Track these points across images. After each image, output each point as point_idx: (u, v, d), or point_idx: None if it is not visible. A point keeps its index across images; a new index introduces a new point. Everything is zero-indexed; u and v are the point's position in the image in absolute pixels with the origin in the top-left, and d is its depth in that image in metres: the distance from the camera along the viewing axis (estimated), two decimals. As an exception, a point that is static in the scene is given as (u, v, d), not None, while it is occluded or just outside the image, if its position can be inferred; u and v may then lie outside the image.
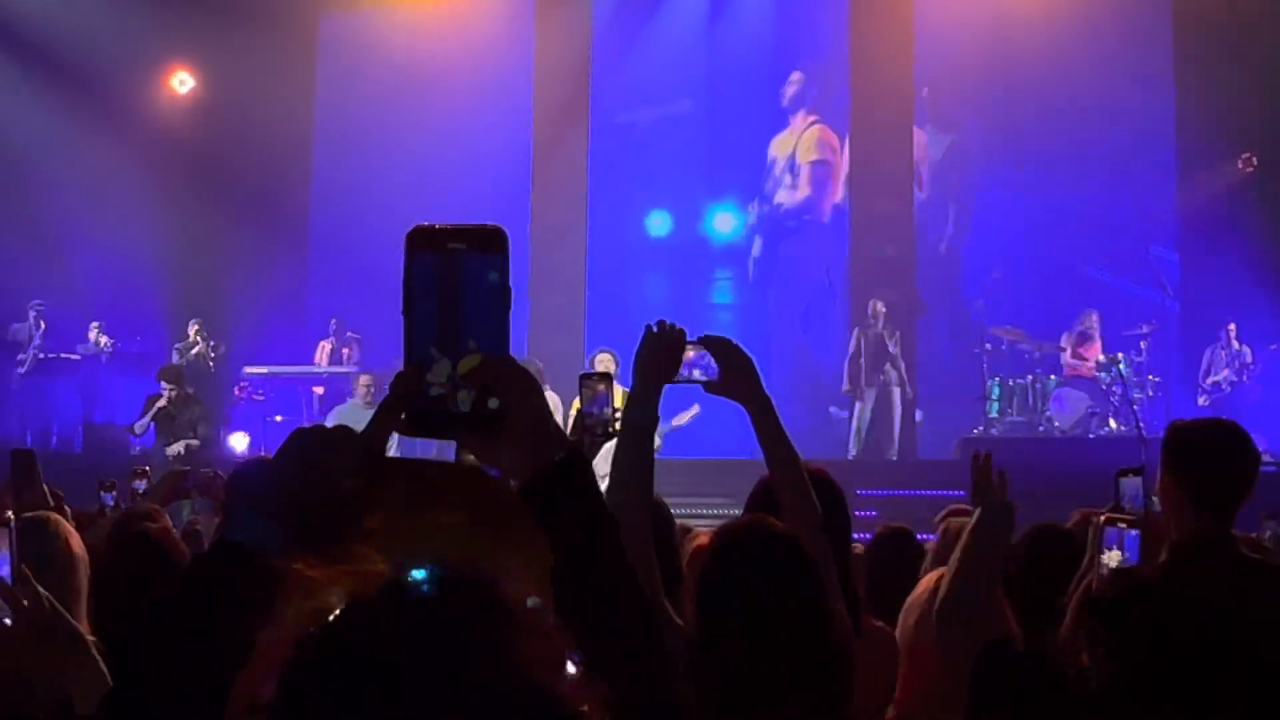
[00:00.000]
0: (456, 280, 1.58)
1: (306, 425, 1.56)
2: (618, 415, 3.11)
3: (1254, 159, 14.68)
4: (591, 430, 3.21)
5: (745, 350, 2.75)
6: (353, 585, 1.31)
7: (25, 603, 2.13)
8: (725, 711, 2.36)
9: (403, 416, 1.49)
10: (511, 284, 1.54)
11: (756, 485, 3.02)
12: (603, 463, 2.62)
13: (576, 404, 12.03)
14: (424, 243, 1.62)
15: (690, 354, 2.72)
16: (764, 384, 2.76)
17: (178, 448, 12.68)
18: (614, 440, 2.93)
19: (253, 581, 1.39)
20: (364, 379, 13.68)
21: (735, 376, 2.71)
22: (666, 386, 2.74)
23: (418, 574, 1.29)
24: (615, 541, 1.48)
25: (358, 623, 1.29)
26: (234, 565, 1.40)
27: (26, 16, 15.69)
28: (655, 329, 2.73)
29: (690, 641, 2.46)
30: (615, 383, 3.29)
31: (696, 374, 2.73)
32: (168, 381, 13.11)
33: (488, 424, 1.44)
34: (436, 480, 1.45)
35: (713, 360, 2.72)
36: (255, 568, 1.41)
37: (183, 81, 17.39)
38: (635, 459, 2.67)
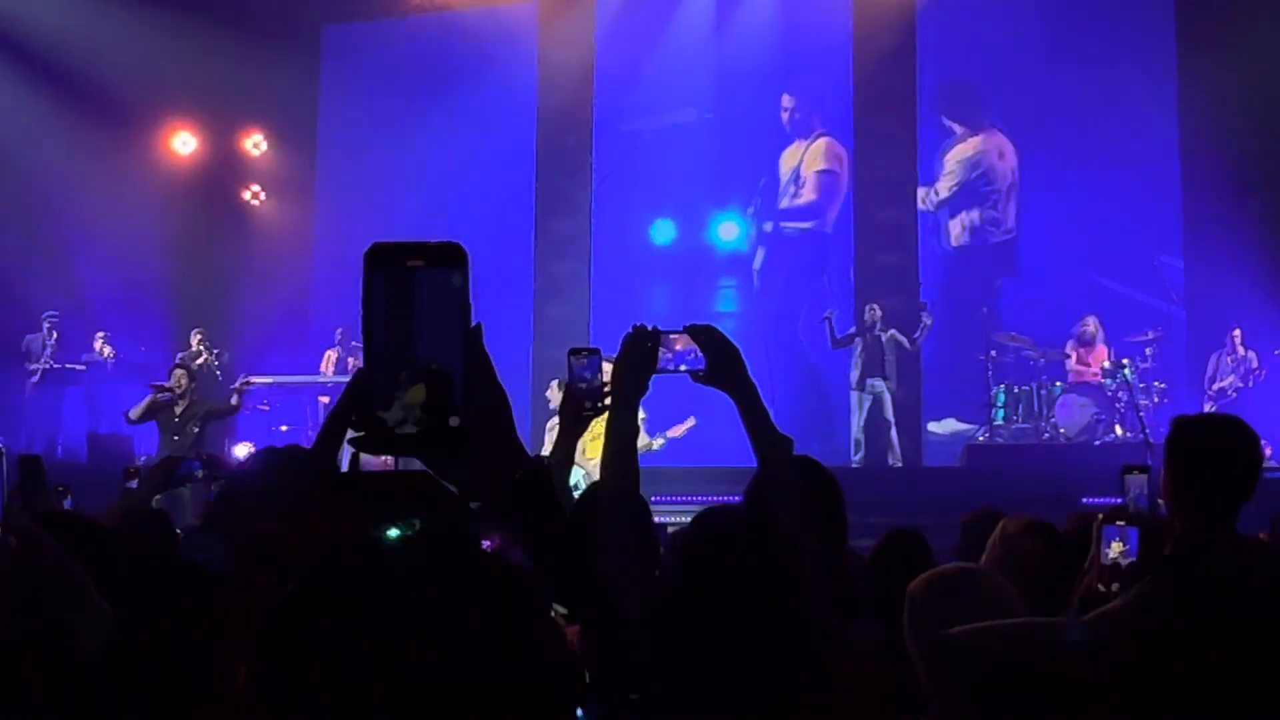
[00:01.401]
0: (415, 297, 1.56)
1: (272, 447, 1.59)
2: (607, 387, 3.12)
3: None
4: (580, 403, 3.20)
5: (730, 338, 2.75)
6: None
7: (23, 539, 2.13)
8: (697, 691, 2.37)
9: (357, 435, 1.49)
10: (471, 300, 1.52)
11: (751, 481, 3.02)
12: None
13: (553, 388, 12.14)
14: (382, 260, 1.58)
15: (677, 345, 2.72)
16: (749, 371, 2.76)
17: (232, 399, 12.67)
18: (603, 416, 2.93)
19: (206, 600, 1.42)
20: None
21: (721, 365, 2.71)
22: (663, 385, 2.73)
23: (392, 531, 1.30)
24: (574, 552, 1.48)
25: (333, 578, 1.31)
26: (189, 585, 1.43)
27: (35, 32, 15.72)
28: (634, 333, 2.73)
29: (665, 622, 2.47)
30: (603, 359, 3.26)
31: (681, 366, 2.72)
32: (180, 368, 12.92)
33: (448, 442, 1.43)
34: (390, 494, 1.44)
35: (699, 351, 2.72)
36: (208, 586, 1.43)
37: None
38: (621, 463, 2.67)
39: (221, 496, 3.41)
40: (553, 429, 12.02)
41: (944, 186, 16.52)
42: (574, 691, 2.00)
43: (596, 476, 3.22)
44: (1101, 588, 3.15)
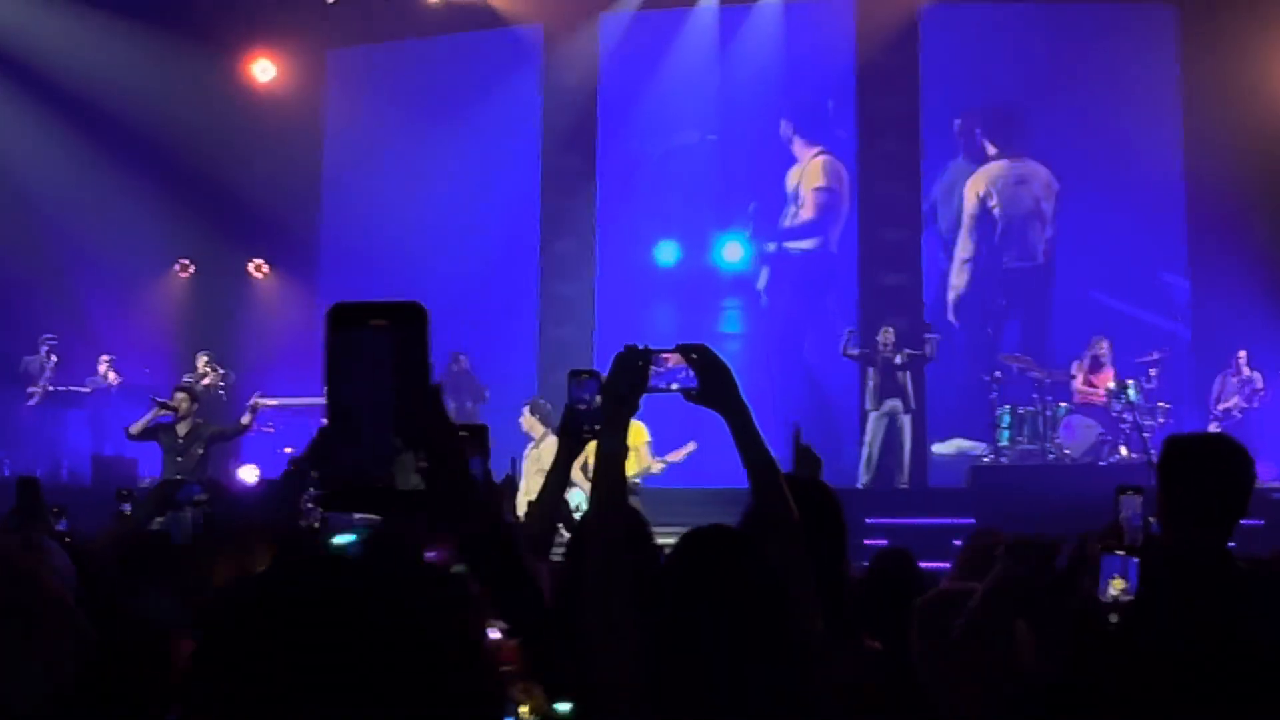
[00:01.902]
0: (378, 357, 1.60)
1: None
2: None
3: None
4: (580, 425, 3.20)
5: (721, 358, 2.74)
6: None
7: None
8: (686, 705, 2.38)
9: (318, 491, 1.54)
10: (431, 359, 1.56)
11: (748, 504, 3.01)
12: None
13: (525, 414, 12.13)
14: (346, 320, 1.62)
15: (669, 364, 2.71)
16: (743, 393, 2.75)
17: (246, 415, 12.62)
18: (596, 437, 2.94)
19: (152, 655, 1.44)
20: None
21: (713, 385, 2.70)
22: (663, 407, 2.73)
23: (343, 539, 1.32)
24: (530, 595, 1.50)
25: (282, 579, 1.35)
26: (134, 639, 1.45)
27: (35, 52, 15.78)
28: (625, 352, 2.72)
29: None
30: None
31: (673, 385, 2.71)
32: (182, 393, 12.78)
33: (407, 501, 1.44)
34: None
35: (691, 370, 2.71)
36: (154, 640, 1.45)
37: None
38: (608, 482, 2.67)
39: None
40: (534, 456, 12.03)
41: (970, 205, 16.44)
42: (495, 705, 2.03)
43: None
44: (1114, 618, 3.13)
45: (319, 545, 1.37)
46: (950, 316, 16.15)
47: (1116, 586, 3.19)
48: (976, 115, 16.35)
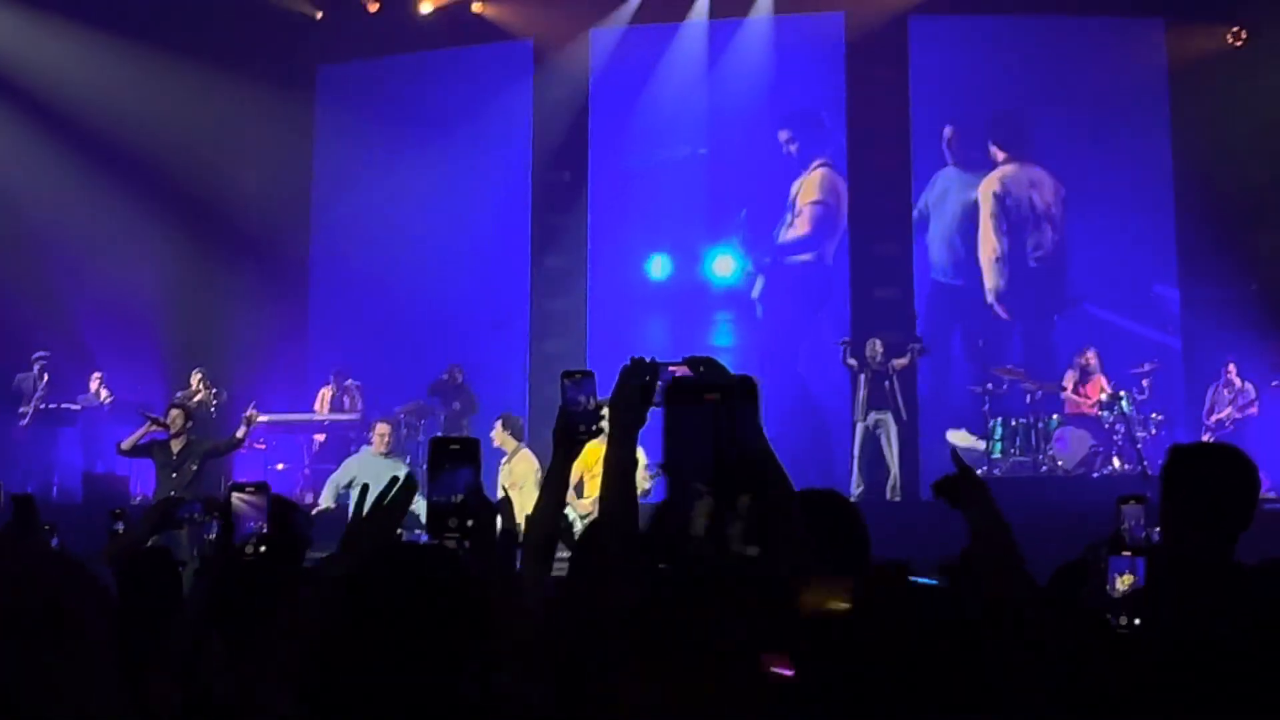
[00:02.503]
0: (712, 427, 1.87)
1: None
2: (603, 409, 3.11)
3: (1243, 32, 14.78)
4: (575, 427, 3.17)
5: (727, 369, 2.74)
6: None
7: None
8: None
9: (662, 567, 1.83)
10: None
11: None
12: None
13: (498, 429, 12.11)
14: (681, 396, 1.93)
15: (673, 375, 2.71)
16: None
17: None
18: (600, 439, 2.95)
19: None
20: (380, 428, 13.39)
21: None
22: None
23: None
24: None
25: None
26: None
27: (27, 71, 15.79)
28: (632, 364, 2.72)
29: None
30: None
31: None
32: (177, 409, 12.61)
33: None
34: None
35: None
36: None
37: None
38: (619, 495, 2.66)
39: None
40: (505, 471, 12.02)
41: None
42: None
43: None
44: (1123, 621, 3.12)
45: None
46: (1002, 314, 16.05)
47: (1124, 582, 3.19)
48: (979, 122, 16.33)
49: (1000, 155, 16.31)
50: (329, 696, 2.15)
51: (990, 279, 16.24)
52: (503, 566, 2.52)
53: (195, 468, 12.21)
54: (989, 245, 16.26)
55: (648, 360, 2.69)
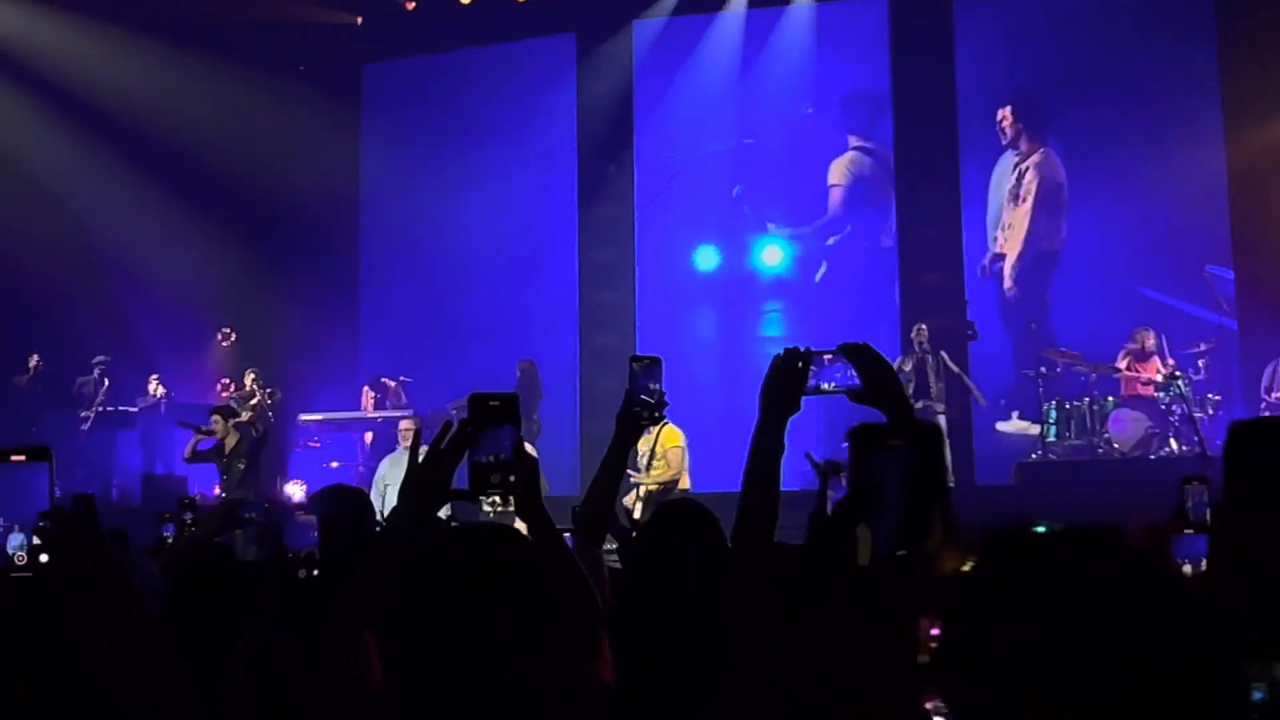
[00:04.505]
0: (899, 471, 1.99)
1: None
2: (664, 394, 3.15)
3: None
4: (639, 413, 3.17)
5: (884, 357, 2.76)
6: None
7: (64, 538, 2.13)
8: None
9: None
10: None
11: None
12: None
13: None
14: (873, 440, 2.01)
15: (828, 363, 2.72)
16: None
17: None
18: (656, 423, 3.02)
19: None
20: (404, 424, 13.48)
21: (877, 384, 2.71)
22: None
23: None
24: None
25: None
26: None
27: (82, 79, 15.97)
28: (785, 353, 2.74)
29: None
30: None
31: (833, 385, 2.72)
32: (216, 414, 12.95)
33: None
34: None
35: (851, 370, 2.71)
36: None
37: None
38: (762, 483, 2.67)
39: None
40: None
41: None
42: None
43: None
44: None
45: None
46: (1050, 296, 15.95)
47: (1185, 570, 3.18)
48: (1026, 103, 16.18)
49: (1047, 136, 16.16)
50: (405, 671, 2.19)
51: (1038, 261, 16.11)
52: (548, 523, 2.53)
53: (242, 466, 12.45)
54: (1038, 227, 16.13)
55: (801, 349, 2.70)
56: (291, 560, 3.72)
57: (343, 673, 2.19)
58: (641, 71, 17.34)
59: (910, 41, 16.16)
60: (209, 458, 12.78)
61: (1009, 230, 16.23)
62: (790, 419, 2.69)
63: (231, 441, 12.68)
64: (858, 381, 2.69)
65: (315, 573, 3.69)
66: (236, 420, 13.09)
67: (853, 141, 16.74)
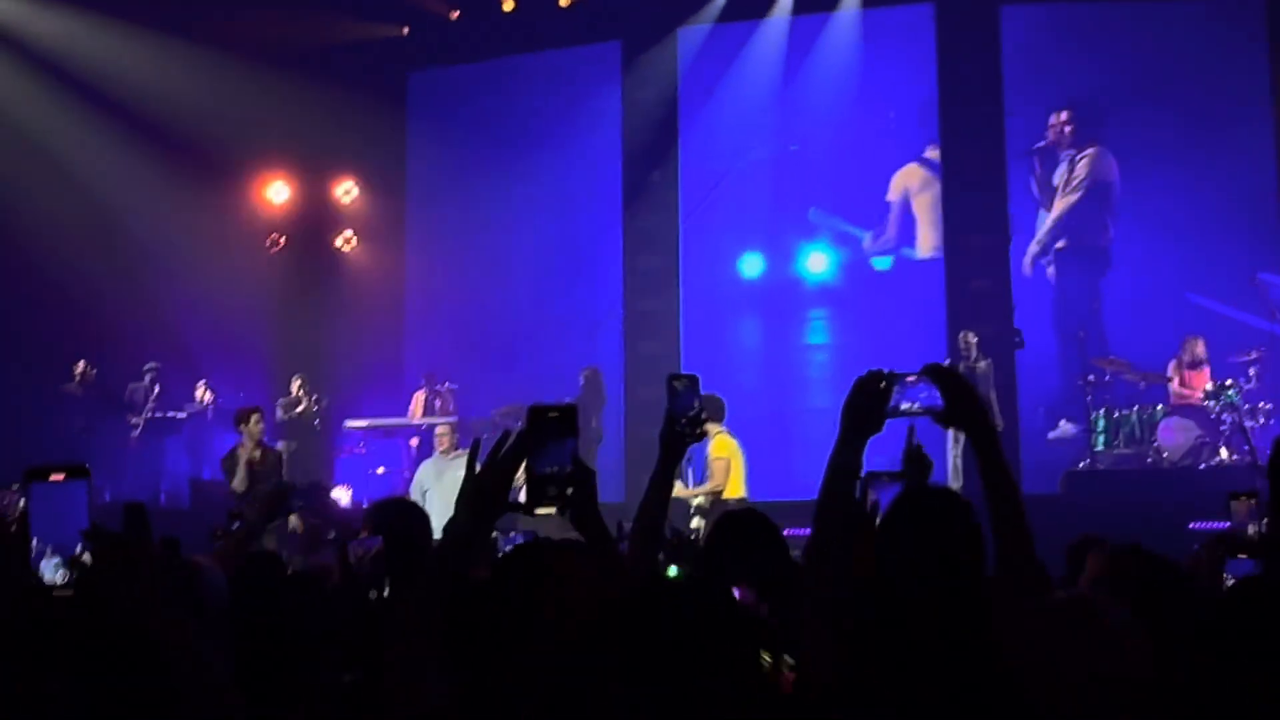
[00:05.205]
0: None
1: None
2: (704, 413, 3.17)
3: None
4: (680, 432, 3.18)
5: (967, 379, 2.77)
6: None
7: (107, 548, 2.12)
8: None
9: None
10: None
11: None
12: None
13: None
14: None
15: (911, 384, 2.73)
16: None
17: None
18: (699, 441, 3.05)
19: None
20: (440, 429, 13.44)
21: (960, 405, 2.71)
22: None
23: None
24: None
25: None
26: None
27: (131, 87, 16.10)
28: (868, 374, 2.76)
29: None
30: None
31: (916, 406, 2.73)
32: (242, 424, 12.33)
33: None
34: None
35: (935, 391, 2.71)
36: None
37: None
38: (836, 498, 2.68)
39: None
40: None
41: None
42: None
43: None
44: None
45: None
46: (1098, 303, 15.87)
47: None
48: (1074, 109, 16.06)
49: (1095, 142, 16.04)
50: (469, 690, 2.19)
51: (1085, 268, 15.99)
52: (605, 533, 2.53)
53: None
54: (1086, 217, 16.01)
55: (885, 371, 2.72)
56: (361, 579, 3.69)
57: (405, 695, 2.19)
58: (686, 78, 17.32)
59: (957, 47, 16.06)
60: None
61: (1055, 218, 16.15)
62: (870, 439, 2.71)
63: (257, 455, 12.19)
64: (940, 403, 2.69)
65: (385, 594, 3.67)
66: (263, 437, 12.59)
67: (929, 152, 16.62)
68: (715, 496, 11.27)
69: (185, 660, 2.05)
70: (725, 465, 11.36)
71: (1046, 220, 16.18)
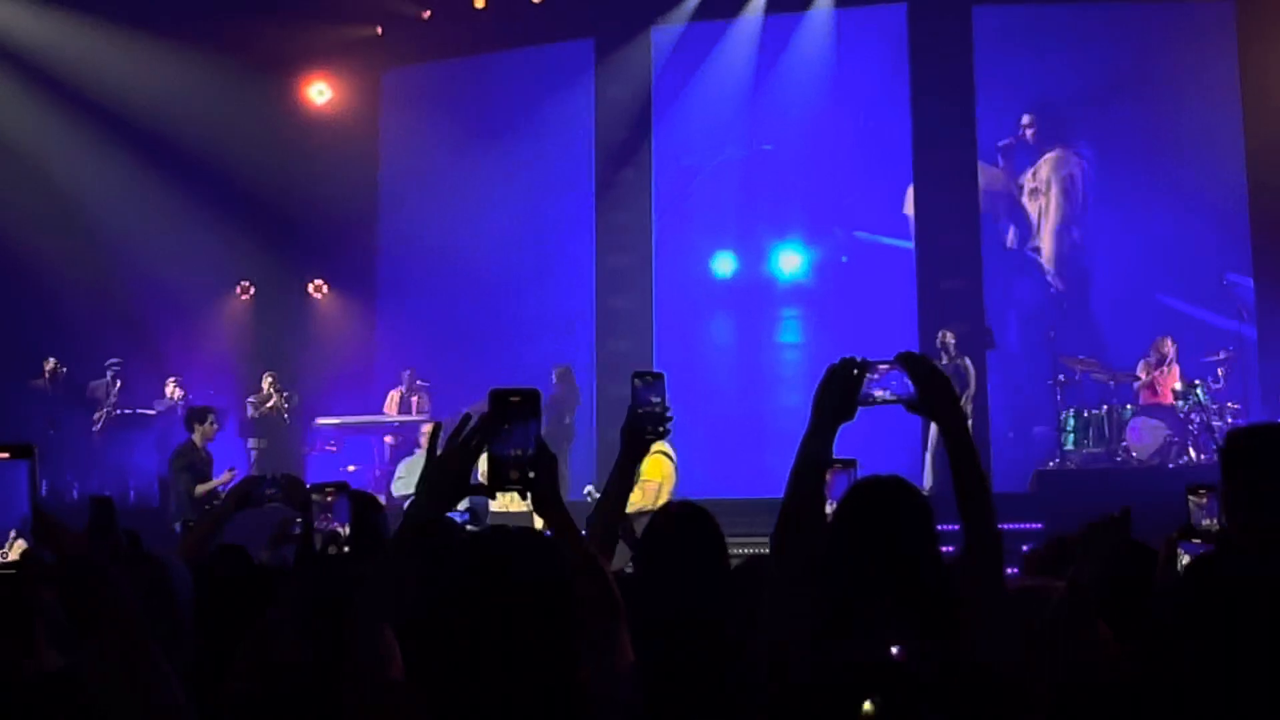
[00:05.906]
0: None
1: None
2: (669, 410, 3.15)
3: None
4: (643, 428, 3.18)
5: (940, 367, 2.76)
6: None
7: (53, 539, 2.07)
8: None
9: None
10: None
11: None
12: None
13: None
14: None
15: (883, 374, 2.72)
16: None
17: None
18: (661, 438, 3.04)
19: None
20: (426, 427, 13.48)
21: (932, 394, 2.70)
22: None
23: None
24: None
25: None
26: None
27: (98, 81, 16.00)
28: (840, 362, 2.74)
29: None
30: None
31: (888, 394, 2.72)
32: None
33: None
34: None
35: (907, 379, 2.71)
36: None
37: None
38: (805, 486, 2.67)
39: None
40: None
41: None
42: None
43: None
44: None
45: None
46: (1069, 303, 15.95)
47: (1185, 559, 3.18)
48: (1044, 110, 16.14)
49: (1064, 143, 16.13)
50: (430, 669, 2.19)
51: (1057, 268, 16.08)
52: (567, 517, 2.51)
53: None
54: (1055, 234, 16.10)
55: (856, 359, 2.70)
56: (320, 540, 3.68)
57: (365, 670, 2.19)
58: (659, 77, 17.32)
59: (929, 47, 16.12)
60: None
61: (1042, 225, 16.23)
62: (841, 426, 2.71)
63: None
64: (913, 391, 2.69)
65: (345, 549, 3.66)
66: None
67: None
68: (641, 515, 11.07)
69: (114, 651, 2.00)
70: (655, 490, 10.82)
71: (1036, 225, 16.27)
